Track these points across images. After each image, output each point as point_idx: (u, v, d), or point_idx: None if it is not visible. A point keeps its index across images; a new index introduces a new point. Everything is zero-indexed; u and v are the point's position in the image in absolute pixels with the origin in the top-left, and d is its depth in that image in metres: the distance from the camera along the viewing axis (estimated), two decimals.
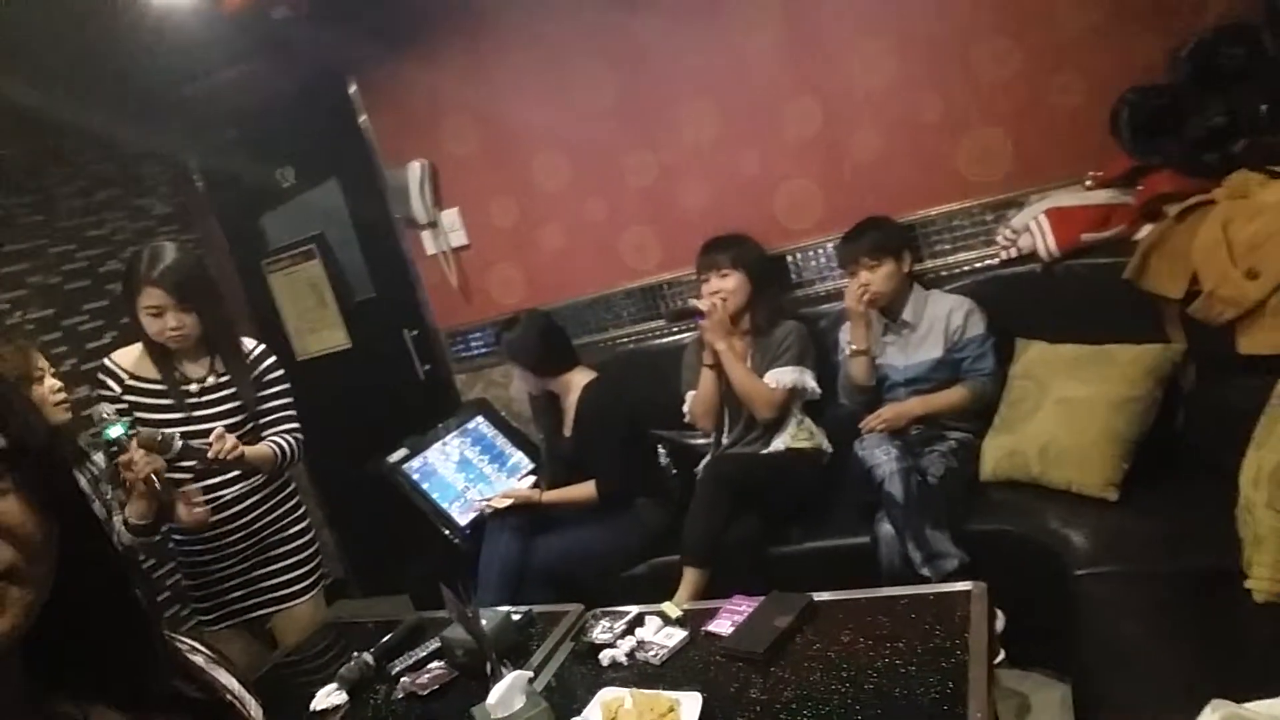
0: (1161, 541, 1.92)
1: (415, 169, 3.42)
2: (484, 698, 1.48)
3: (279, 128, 3.77)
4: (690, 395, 2.86)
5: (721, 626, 1.71)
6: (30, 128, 3.21)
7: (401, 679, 1.85)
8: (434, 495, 2.98)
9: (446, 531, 2.92)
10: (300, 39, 3.24)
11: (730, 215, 2.98)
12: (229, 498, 2.26)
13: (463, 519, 2.94)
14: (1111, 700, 1.55)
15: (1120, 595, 1.79)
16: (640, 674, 1.66)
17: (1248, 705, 1.17)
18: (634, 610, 1.85)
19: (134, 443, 1.97)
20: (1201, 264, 2.08)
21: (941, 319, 2.57)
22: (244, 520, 2.28)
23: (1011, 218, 2.65)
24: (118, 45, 2.91)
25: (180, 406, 2.19)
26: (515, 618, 1.96)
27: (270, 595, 2.36)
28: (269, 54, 3.42)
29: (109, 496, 2.20)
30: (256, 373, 2.30)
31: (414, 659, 1.92)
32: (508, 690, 1.47)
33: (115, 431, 1.97)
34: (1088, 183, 2.51)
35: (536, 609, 2.05)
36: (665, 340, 3.22)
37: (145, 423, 2.13)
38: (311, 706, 1.85)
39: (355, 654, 1.93)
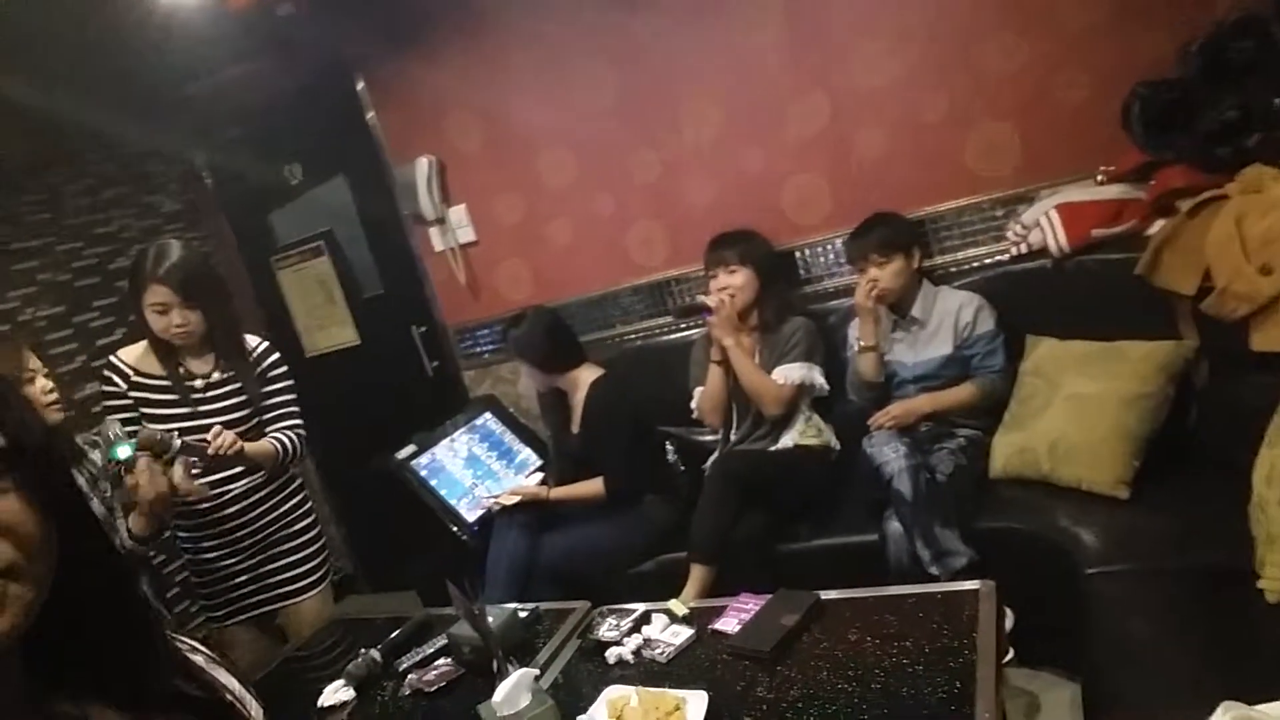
0: (1173, 540, 1.90)
1: (423, 165, 3.42)
2: (490, 695, 1.48)
3: (286, 125, 3.78)
4: (698, 392, 2.85)
5: (728, 625, 1.71)
6: (37, 126, 3.22)
7: (409, 676, 1.86)
8: (442, 492, 2.99)
9: (454, 528, 2.92)
10: (306, 36, 3.24)
11: (738, 211, 2.97)
12: (236, 493, 2.27)
13: (471, 515, 2.94)
14: (1121, 700, 1.54)
15: (1131, 594, 1.78)
16: (646, 672, 1.65)
17: (1259, 707, 1.15)
18: (640, 608, 1.85)
19: (140, 463, 2.02)
20: (1214, 259, 2.06)
21: (951, 315, 2.56)
22: (251, 515, 2.30)
23: (1022, 213, 2.62)
24: (124, 43, 2.92)
25: (185, 402, 2.20)
26: (522, 615, 1.96)
27: (278, 590, 2.37)
28: (275, 51, 3.43)
29: (108, 495, 2.21)
30: (260, 369, 2.32)
31: (421, 656, 1.92)
32: (514, 688, 1.47)
33: (124, 452, 2.02)
34: (1099, 177, 2.49)
35: (543, 606, 2.05)
36: (673, 337, 3.22)
37: (151, 419, 2.14)
38: (319, 703, 1.85)
39: (363, 650, 1.94)
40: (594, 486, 2.75)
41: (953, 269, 2.79)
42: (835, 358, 2.77)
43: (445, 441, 3.15)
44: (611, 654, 1.71)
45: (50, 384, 2.22)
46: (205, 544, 2.29)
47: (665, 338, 3.25)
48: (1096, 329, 2.38)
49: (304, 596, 2.39)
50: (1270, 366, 1.91)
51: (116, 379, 2.20)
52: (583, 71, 3.14)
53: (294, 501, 2.40)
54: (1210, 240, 2.07)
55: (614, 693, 1.54)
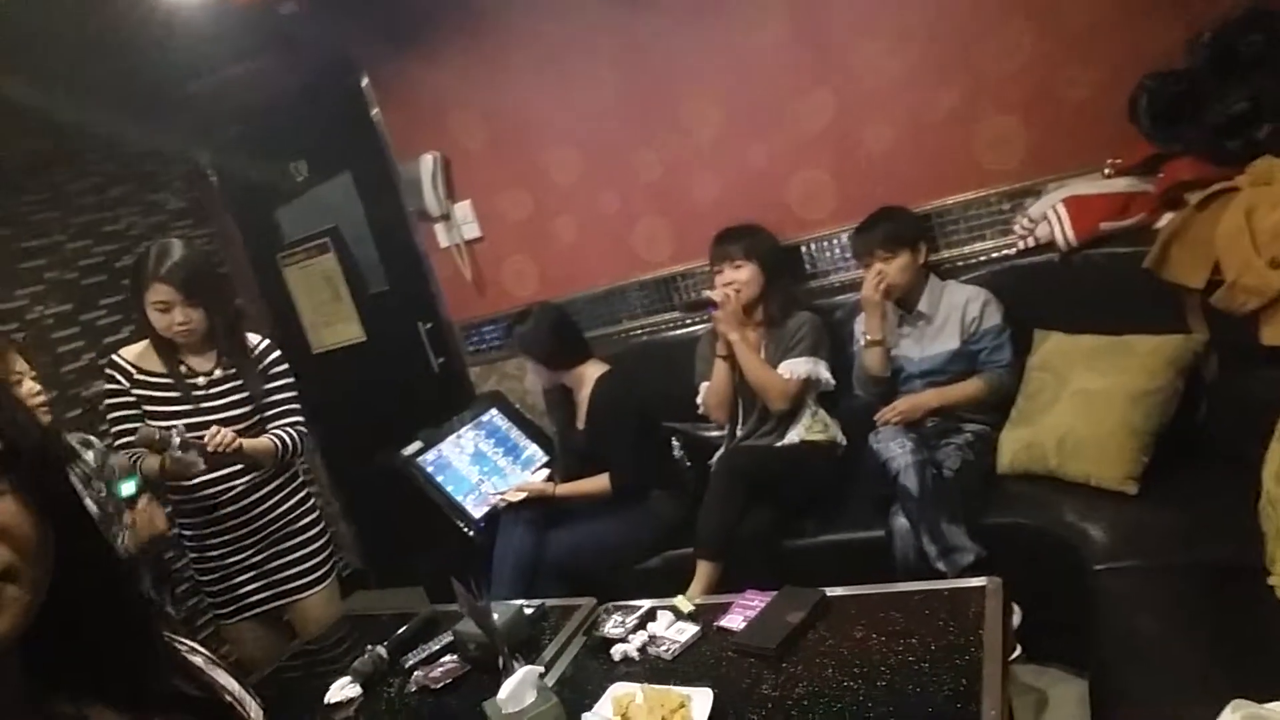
0: (1181, 536, 1.89)
1: (428, 162, 3.42)
2: (496, 692, 1.48)
3: (291, 122, 3.78)
4: (704, 387, 2.84)
5: (733, 622, 1.70)
6: (44, 125, 3.23)
7: (414, 672, 1.86)
8: (448, 488, 2.99)
9: (460, 524, 2.93)
10: (309, 33, 3.24)
11: (743, 206, 2.96)
12: (240, 489, 2.28)
13: (477, 511, 2.94)
14: (1129, 696, 1.53)
15: (1139, 590, 1.76)
16: (652, 669, 1.65)
17: (1269, 705, 1.14)
18: (646, 605, 1.85)
19: (141, 502, 2.22)
20: (1224, 253, 2.04)
21: (958, 310, 2.54)
22: (256, 512, 2.31)
23: (1029, 207, 2.60)
24: (128, 42, 2.92)
25: (188, 399, 2.21)
26: (528, 611, 1.96)
27: (285, 586, 2.38)
28: (279, 49, 3.43)
29: (102, 495, 2.23)
30: (262, 366, 2.33)
31: (427, 653, 1.93)
32: (519, 685, 1.47)
33: (128, 489, 2.18)
34: (1107, 170, 2.47)
35: (549, 603, 2.06)
36: (679, 332, 3.21)
37: (154, 416, 2.15)
38: (326, 699, 1.86)
39: (369, 647, 1.94)
40: (600, 483, 2.75)
41: (959, 263, 2.77)
42: (841, 352, 2.75)
43: (451, 438, 3.15)
44: (617, 651, 1.71)
45: (38, 386, 2.23)
46: (210, 541, 2.29)
47: (671, 333, 3.25)
48: (1104, 323, 2.36)
49: (310, 592, 2.40)
50: None
51: (119, 377, 2.21)
52: (588, 67, 3.13)
53: (299, 497, 2.41)
54: (1219, 233, 2.05)
55: (619, 690, 1.54)
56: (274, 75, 3.60)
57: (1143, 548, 1.90)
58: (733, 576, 2.37)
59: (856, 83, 2.79)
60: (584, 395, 2.82)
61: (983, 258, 2.74)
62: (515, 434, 3.32)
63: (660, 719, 1.41)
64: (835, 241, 2.96)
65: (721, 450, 2.82)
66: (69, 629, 0.61)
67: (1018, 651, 2.05)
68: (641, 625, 1.78)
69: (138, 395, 2.19)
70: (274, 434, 2.29)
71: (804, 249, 3.01)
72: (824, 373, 2.67)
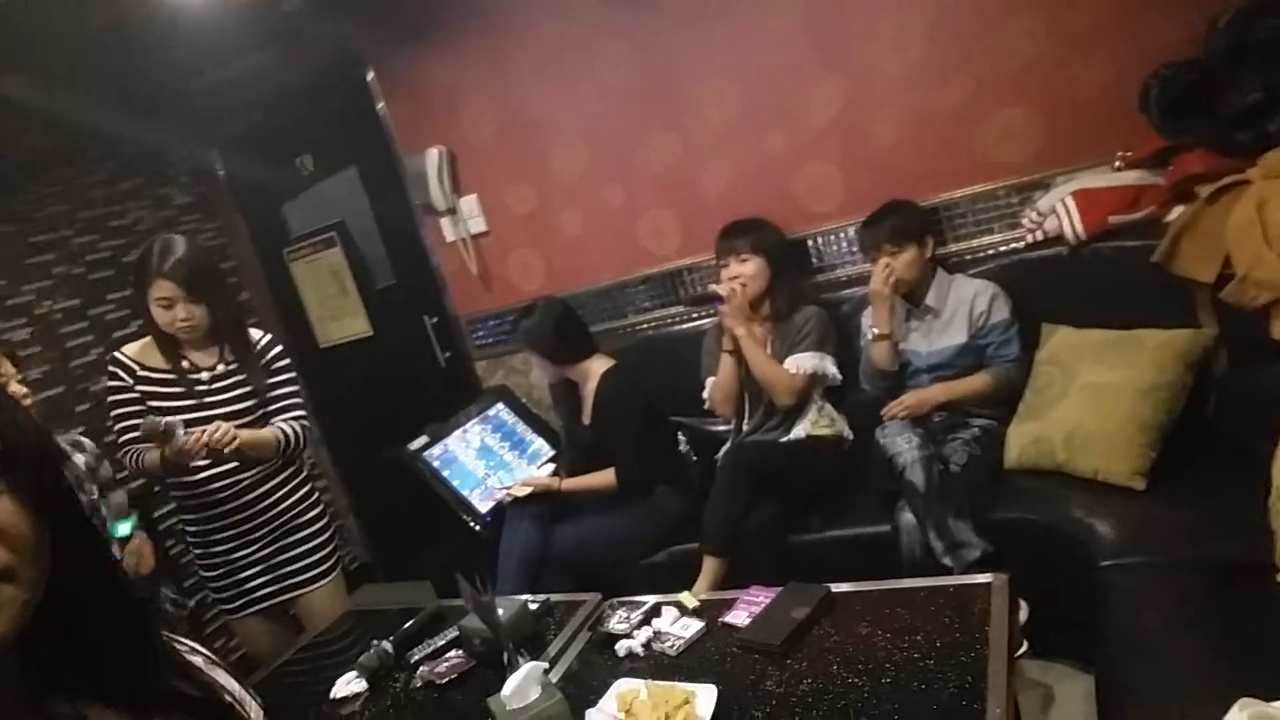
0: (1189, 532, 1.88)
1: (433, 156, 3.41)
2: (501, 687, 1.48)
3: (297, 116, 3.79)
4: (710, 382, 2.83)
5: (738, 618, 1.70)
6: (51, 121, 3.24)
7: (420, 668, 1.86)
8: (454, 482, 2.99)
9: (467, 519, 2.93)
10: (314, 28, 3.24)
11: (750, 199, 2.95)
12: (246, 483, 2.28)
13: (483, 506, 2.95)
14: (1136, 693, 1.52)
15: (1146, 587, 1.75)
16: (656, 665, 1.65)
17: (1277, 704, 1.13)
18: (651, 600, 1.85)
19: (134, 542, 2.33)
20: (1235, 246, 2.02)
21: (965, 304, 2.53)
22: (262, 505, 2.31)
23: (1037, 200, 2.58)
24: (134, 38, 2.93)
25: (191, 395, 2.22)
26: (533, 607, 1.96)
27: (291, 580, 2.39)
28: (284, 43, 3.43)
29: (94, 497, 2.25)
30: (265, 361, 2.34)
31: (432, 648, 1.93)
32: (523, 681, 1.47)
33: (123, 530, 2.27)
34: (1116, 163, 2.44)
35: (554, 598, 2.06)
36: (685, 326, 3.20)
37: (157, 412, 2.16)
38: (332, 694, 1.86)
39: (375, 642, 1.94)
40: (606, 477, 2.75)
41: (967, 257, 2.76)
42: (848, 347, 2.74)
43: (458, 432, 3.15)
44: (621, 647, 1.71)
45: (24, 389, 2.24)
46: (215, 536, 2.30)
47: (677, 327, 3.24)
48: (1113, 317, 2.34)
49: (316, 586, 2.41)
50: None
51: (122, 374, 2.22)
52: (594, 61, 3.12)
53: (303, 491, 2.42)
54: (1231, 226, 2.03)
55: (623, 686, 1.54)
56: (280, 70, 3.60)
57: (1150, 544, 1.89)
58: (739, 572, 2.37)
59: (864, 75, 2.77)
60: (589, 390, 2.81)
61: (991, 251, 2.73)
62: (521, 428, 3.32)
63: (664, 715, 1.41)
64: (842, 235, 2.94)
65: (727, 445, 2.82)
66: (67, 629, 0.61)
67: (1024, 647, 2.04)
68: (646, 621, 1.78)
69: (141, 391, 2.20)
70: (278, 427, 2.30)
71: (811, 242, 2.99)
72: (830, 367, 2.66)
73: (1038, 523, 2.16)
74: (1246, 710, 1.16)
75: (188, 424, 2.10)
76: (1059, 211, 2.46)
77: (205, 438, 2.07)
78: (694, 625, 1.72)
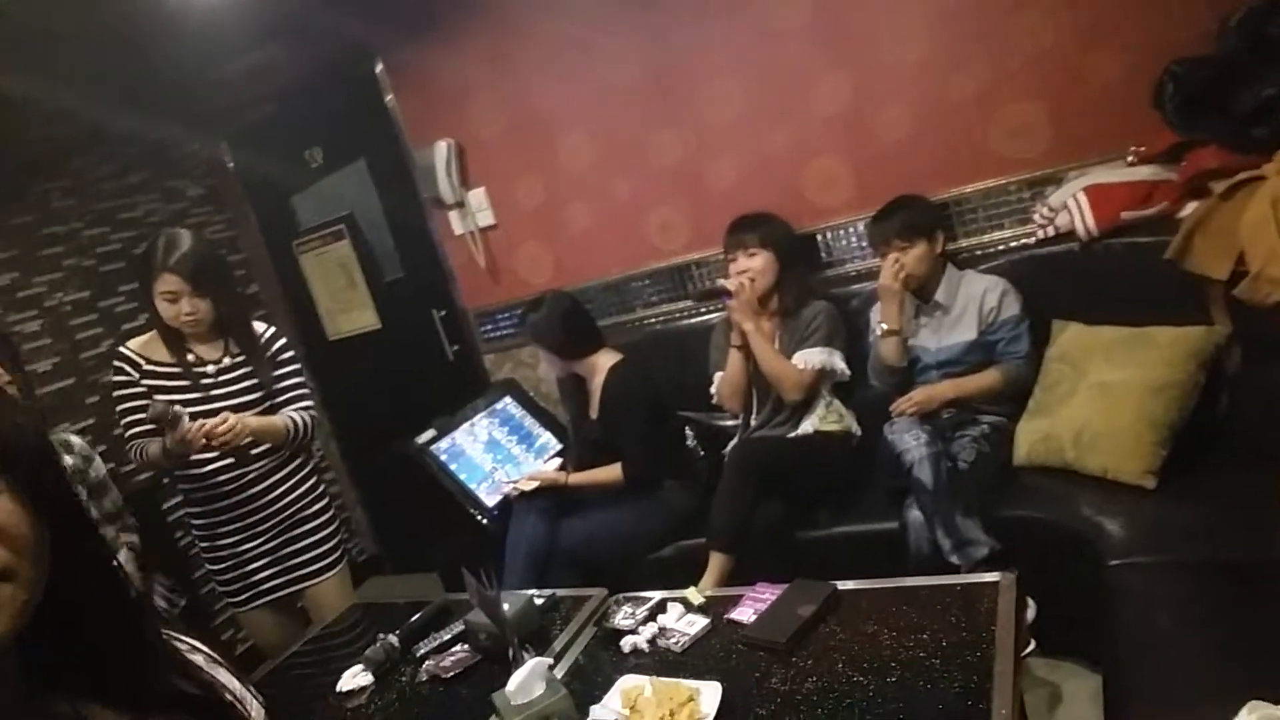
0: (1200, 532, 1.86)
1: (442, 149, 3.41)
2: (506, 682, 1.48)
3: (307, 109, 3.79)
4: (718, 377, 2.83)
5: (744, 614, 1.70)
6: (61, 115, 3.25)
7: (425, 661, 1.87)
8: (461, 476, 2.99)
9: (474, 512, 2.93)
10: (323, 20, 3.23)
11: (758, 193, 2.94)
12: (252, 475, 2.29)
13: (490, 500, 2.95)
14: (1144, 693, 1.51)
15: (1155, 587, 1.74)
16: (661, 661, 1.65)
17: None
18: (656, 596, 1.84)
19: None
20: (1249, 243, 2.00)
21: (975, 300, 2.51)
22: (269, 498, 2.32)
23: (1049, 195, 2.56)
24: (144, 31, 2.93)
25: (197, 388, 2.23)
26: (538, 602, 1.96)
27: (298, 573, 2.40)
28: (294, 36, 3.42)
29: (85, 501, 2.25)
30: (270, 353, 2.35)
31: (438, 642, 1.93)
32: (528, 677, 1.47)
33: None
34: (1129, 158, 2.42)
35: (560, 593, 2.05)
36: (693, 321, 3.20)
37: None
38: (338, 687, 1.87)
39: (381, 636, 1.95)
40: (613, 472, 2.75)
41: (978, 252, 2.73)
42: (857, 342, 2.73)
43: (465, 426, 3.16)
44: (626, 643, 1.71)
45: (15, 391, 2.24)
46: (222, 529, 2.31)
47: (685, 322, 3.23)
48: (1125, 314, 2.32)
49: (323, 578, 2.42)
50: None
51: (128, 368, 2.23)
52: (602, 54, 3.11)
53: (310, 484, 2.43)
54: (1245, 223, 2.01)
55: (628, 682, 1.54)
56: (289, 63, 3.60)
57: (1160, 543, 1.87)
58: (746, 567, 2.36)
59: (874, 68, 2.75)
60: (597, 384, 2.81)
61: (1001, 247, 2.71)
62: (529, 422, 3.33)
63: (669, 712, 1.41)
64: (851, 230, 2.93)
65: (735, 441, 2.81)
66: (67, 629, 0.61)
67: (1031, 646, 2.03)
68: (652, 617, 1.78)
69: (147, 386, 2.21)
70: (287, 415, 2.31)
71: (820, 237, 2.98)
72: (839, 363, 2.65)
73: (1046, 521, 2.15)
74: (1256, 713, 1.15)
75: (195, 417, 2.10)
76: (1071, 207, 2.44)
77: (209, 427, 2.07)
78: (699, 622, 1.72)
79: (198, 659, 0.71)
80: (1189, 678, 1.46)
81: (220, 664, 0.73)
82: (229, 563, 2.34)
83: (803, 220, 2.93)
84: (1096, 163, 2.50)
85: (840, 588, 1.70)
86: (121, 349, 2.26)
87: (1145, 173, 2.38)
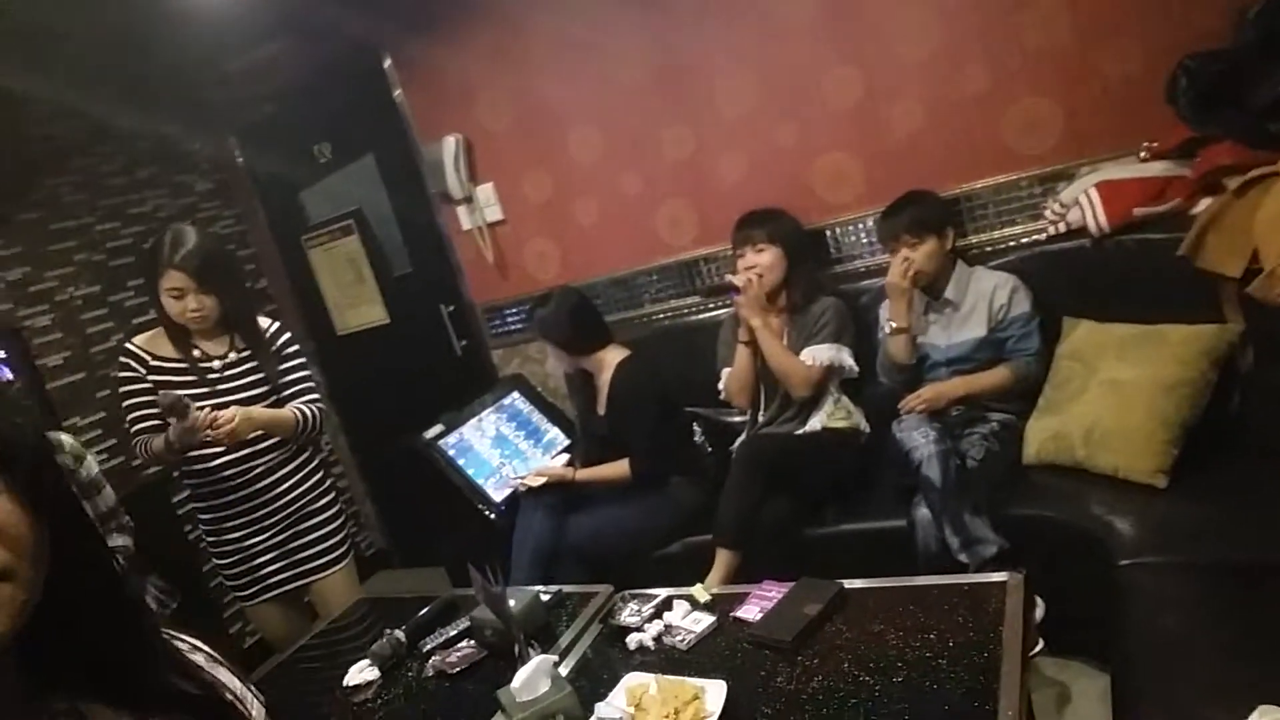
0: (1212, 532, 1.84)
1: (450, 144, 3.41)
2: (512, 678, 1.48)
3: (315, 104, 3.79)
4: (725, 372, 2.82)
5: (750, 613, 1.69)
6: (72, 110, 3.26)
7: (432, 657, 1.87)
8: (469, 471, 3.00)
9: (481, 507, 2.93)
10: (331, 15, 3.23)
11: (767, 189, 2.92)
12: (259, 469, 2.30)
13: (498, 495, 2.95)
14: (1152, 695, 1.50)
15: (1166, 587, 1.72)
16: (667, 659, 1.65)
17: None
18: (663, 593, 1.84)
19: None
20: (1263, 240, 1.98)
21: (985, 297, 2.49)
22: (276, 492, 2.33)
23: (1060, 191, 2.54)
24: (154, 27, 2.94)
25: (204, 384, 2.24)
26: (544, 598, 1.96)
27: (305, 566, 2.41)
28: (302, 31, 3.42)
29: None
30: (275, 348, 2.36)
31: (444, 637, 1.93)
32: (533, 674, 1.48)
33: None
34: (1142, 154, 2.40)
35: (566, 589, 2.06)
36: (701, 316, 3.19)
37: None
38: (345, 681, 1.88)
39: (387, 631, 1.95)
40: (620, 468, 2.74)
41: (988, 248, 2.72)
42: (866, 339, 2.71)
43: (473, 421, 3.16)
44: (632, 640, 1.71)
45: None
46: (229, 523, 2.32)
47: (693, 317, 3.23)
48: (1136, 311, 2.30)
49: (330, 572, 2.43)
50: None
51: (134, 364, 2.24)
52: (611, 49, 3.10)
53: (316, 478, 2.44)
54: (1259, 220, 1.99)
55: (633, 680, 1.54)
56: (297, 58, 3.60)
57: (1171, 543, 1.86)
58: (753, 564, 2.36)
59: (884, 62, 2.73)
60: (604, 380, 2.80)
61: (1012, 243, 2.69)
62: (537, 417, 3.33)
63: (674, 710, 1.41)
64: (860, 226, 2.91)
65: (743, 437, 2.80)
66: (66, 628, 0.61)
67: (1040, 645, 2.02)
68: (658, 614, 1.77)
69: (153, 381, 2.22)
70: (295, 407, 2.31)
71: (829, 233, 2.96)
72: (847, 360, 2.64)
73: (1056, 520, 2.14)
74: (1267, 717, 1.14)
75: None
76: (1082, 203, 2.42)
77: (212, 416, 2.08)
78: (705, 619, 1.71)
79: (198, 658, 0.71)
80: (1198, 679, 1.44)
81: (221, 663, 0.73)
82: (236, 557, 2.35)
83: (812, 216, 2.92)
84: (1109, 158, 2.48)
85: (847, 586, 1.69)
86: (128, 345, 2.27)
87: (1158, 169, 2.35)
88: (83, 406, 3.33)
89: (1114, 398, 2.19)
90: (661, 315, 3.33)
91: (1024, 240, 2.67)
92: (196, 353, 2.26)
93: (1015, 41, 2.55)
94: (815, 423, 2.66)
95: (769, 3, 2.82)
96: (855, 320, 2.71)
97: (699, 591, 1.82)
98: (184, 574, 3.08)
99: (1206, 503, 1.94)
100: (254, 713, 0.73)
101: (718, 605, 1.77)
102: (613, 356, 2.80)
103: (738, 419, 2.94)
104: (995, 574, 1.62)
